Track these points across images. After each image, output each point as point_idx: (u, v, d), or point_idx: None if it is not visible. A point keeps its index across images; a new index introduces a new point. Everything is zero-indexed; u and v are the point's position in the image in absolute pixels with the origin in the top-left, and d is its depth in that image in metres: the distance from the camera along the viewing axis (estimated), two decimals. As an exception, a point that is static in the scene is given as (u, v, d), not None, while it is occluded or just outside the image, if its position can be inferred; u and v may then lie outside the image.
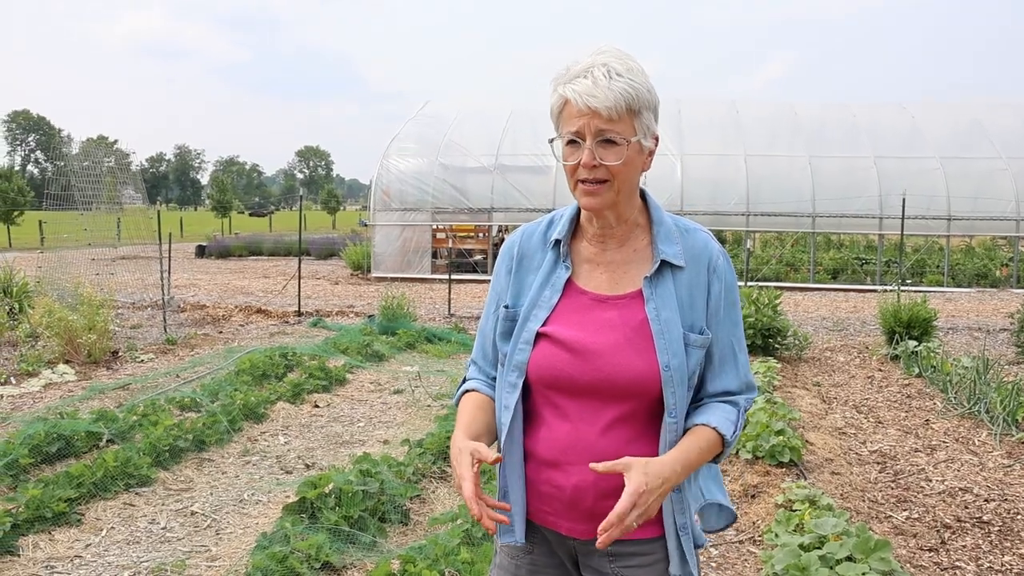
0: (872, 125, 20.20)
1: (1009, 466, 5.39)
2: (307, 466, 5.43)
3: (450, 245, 19.12)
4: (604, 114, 1.51)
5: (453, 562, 3.51)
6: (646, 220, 1.69)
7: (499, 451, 1.68)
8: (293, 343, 9.47)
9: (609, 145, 1.54)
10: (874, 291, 15.56)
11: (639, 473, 1.47)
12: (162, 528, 4.33)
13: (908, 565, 3.88)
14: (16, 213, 33.05)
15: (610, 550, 1.63)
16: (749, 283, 12.74)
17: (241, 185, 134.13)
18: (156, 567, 3.81)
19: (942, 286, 18.24)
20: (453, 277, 15.03)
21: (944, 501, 4.78)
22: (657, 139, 1.61)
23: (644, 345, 1.58)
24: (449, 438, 5.35)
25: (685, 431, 1.61)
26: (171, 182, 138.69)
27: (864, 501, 4.76)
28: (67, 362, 8.30)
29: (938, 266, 19.52)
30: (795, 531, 3.85)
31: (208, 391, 6.80)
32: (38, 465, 5.00)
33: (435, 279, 18.39)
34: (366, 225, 22.77)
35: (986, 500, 4.78)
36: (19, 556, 3.88)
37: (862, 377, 8.51)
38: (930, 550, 4.09)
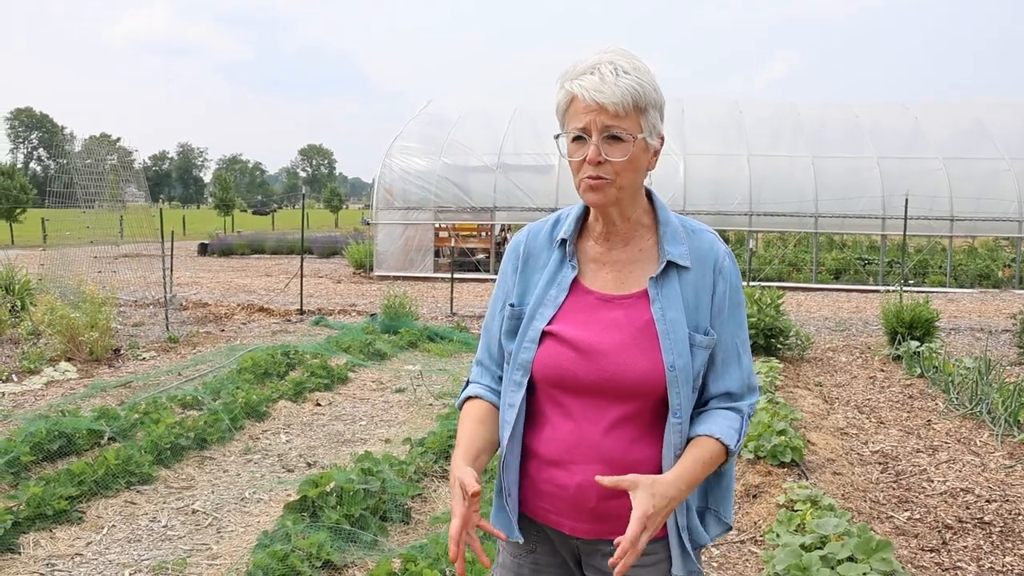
0: (874, 125, 20.19)
1: (1011, 467, 5.38)
2: (308, 464, 5.43)
3: (453, 244, 19.13)
4: (611, 110, 1.51)
5: (454, 561, 3.50)
6: (652, 220, 1.69)
7: (502, 450, 1.69)
8: (295, 341, 9.48)
9: (615, 142, 1.53)
10: (876, 291, 15.54)
11: (646, 495, 1.46)
12: (163, 526, 4.33)
13: (909, 565, 3.88)
14: (18, 211, 33.06)
15: (613, 550, 1.63)
16: (752, 283, 12.74)
17: (244, 183, 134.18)
18: (157, 565, 3.81)
19: (944, 287, 18.23)
20: (455, 276, 15.03)
21: (945, 502, 4.78)
22: (663, 139, 1.61)
23: (649, 345, 1.58)
24: (451, 437, 5.38)
25: (688, 439, 1.61)
26: (174, 180, 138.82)
27: (866, 501, 4.75)
28: (69, 360, 8.31)
29: (940, 267, 19.51)
30: (796, 531, 3.85)
31: (210, 389, 6.80)
32: (39, 463, 5.00)
33: (437, 278, 18.39)
34: (368, 224, 22.76)
35: (987, 501, 4.77)
36: (20, 554, 3.88)
37: (864, 377, 8.50)
38: (931, 550, 4.08)
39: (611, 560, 1.45)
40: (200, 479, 5.07)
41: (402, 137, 20.45)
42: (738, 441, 1.61)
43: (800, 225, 18.88)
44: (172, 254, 12.75)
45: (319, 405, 6.96)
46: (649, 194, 1.70)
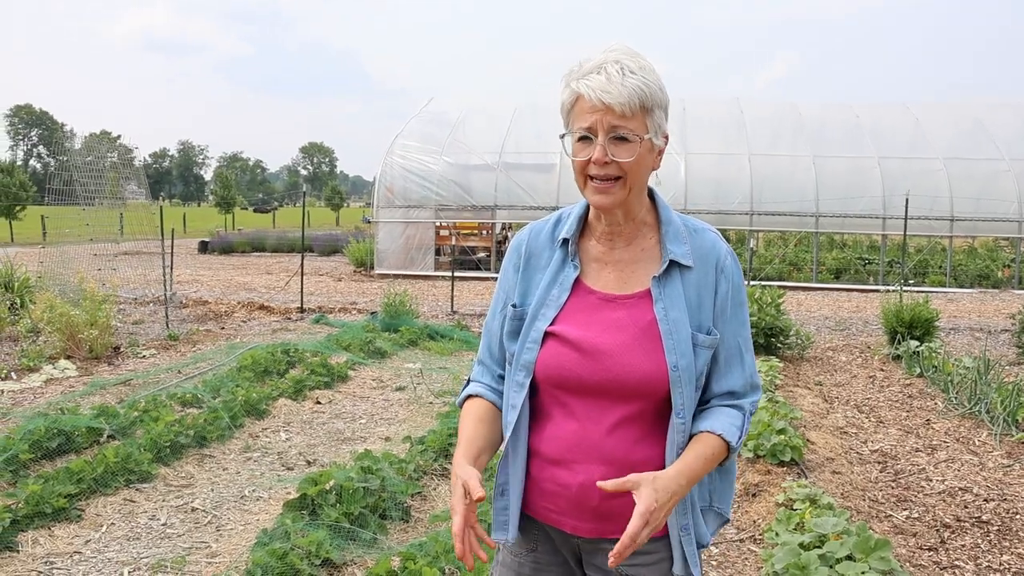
0: (875, 125, 20.19)
1: (1009, 466, 5.38)
2: (308, 463, 5.44)
3: (453, 242, 19.11)
4: (617, 110, 1.50)
5: (453, 559, 3.50)
6: (654, 219, 1.69)
7: (504, 449, 1.69)
8: (295, 339, 9.48)
9: (621, 142, 1.53)
10: (876, 291, 15.54)
11: (649, 491, 1.46)
12: (162, 524, 4.33)
13: (908, 564, 3.88)
14: (18, 208, 33.02)
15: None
16: (752, 282, 12.74)
17: (245, 181, 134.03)
18: (156, 563, 3.82)
19: (944, 287, 18.24)
20: (456, 274, 15.02)
21: (944, 501, 4.78)
22: (667, 138, 1.61)
23: (652, 345, 1.58)
24: (451, 435, 5.38)
25: (690, 436, 1.61)
26: (174, 178, 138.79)
27: (864, 500, 4.76)
28: (68, 357, 8.31)
29: (940, 267, 19.51)
30: (795, 530, 3.85)
31: (210, 387, 6.80)
32: (38, 460, 5.00)
33: (438, 276, 18.38)
34: (369, 222, 22.76)
35: (986, 500, 4.78)
36: (18, 552, 3.88)
37: (864, 377, 8.50)
38: (930, 549, 4.09)
39: (611, 552, 1.45)
40: (199, 477, 5.07)
41: (403, 135, 20.44)
42: (740, 438, 1.62)
43: (801, 225, 18.88)
44: (172, 252, 12.76)
45: (319, 403, 6.96)
46: (651, 193, 1.69)
